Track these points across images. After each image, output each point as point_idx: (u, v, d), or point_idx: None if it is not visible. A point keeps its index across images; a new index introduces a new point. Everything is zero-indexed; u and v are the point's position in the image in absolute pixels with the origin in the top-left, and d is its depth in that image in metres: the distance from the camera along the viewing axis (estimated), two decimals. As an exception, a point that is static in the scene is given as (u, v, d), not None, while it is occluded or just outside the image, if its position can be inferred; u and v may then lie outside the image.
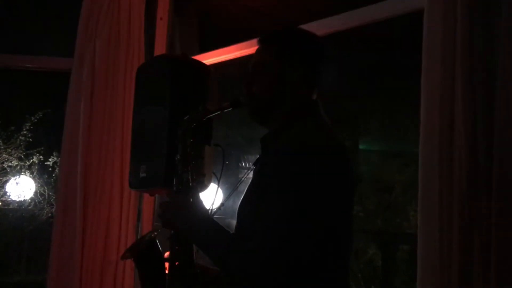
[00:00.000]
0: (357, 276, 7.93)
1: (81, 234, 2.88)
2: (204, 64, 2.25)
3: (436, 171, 1.79)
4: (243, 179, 1.78)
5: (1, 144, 8.56)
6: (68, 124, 3.06)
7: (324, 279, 1.34)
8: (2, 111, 8.05)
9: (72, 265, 2.87)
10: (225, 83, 3.57)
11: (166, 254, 1.62)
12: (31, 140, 8.56)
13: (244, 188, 1.52)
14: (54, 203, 7.52)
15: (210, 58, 2.93)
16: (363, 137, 8.35)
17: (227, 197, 1.79)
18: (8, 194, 8.50)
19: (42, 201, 8.59)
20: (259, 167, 1.49)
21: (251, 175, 1.54)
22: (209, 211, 1.61)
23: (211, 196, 1.72)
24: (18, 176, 8.51)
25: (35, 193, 8.58)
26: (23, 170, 8.57)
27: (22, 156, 8.57)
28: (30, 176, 8.58)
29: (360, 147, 8.50)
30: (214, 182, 1.94)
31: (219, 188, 1.75)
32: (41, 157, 8.56)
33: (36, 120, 8.49)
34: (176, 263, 1.54)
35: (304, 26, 1.66)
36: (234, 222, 1.49)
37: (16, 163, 8.54)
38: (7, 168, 8.55)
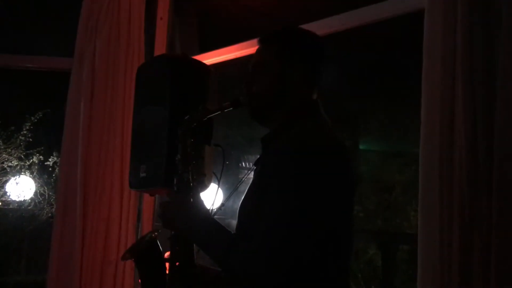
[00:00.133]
0: (357, 276, 7.93)
1: (81, 234, 2.88)
2: (204, 64, 2.25)
3: (436, 171, 1.79)
4: (243, 179, 1.78)
5: (1, 144, 8.56)
6: (68, 124, 3.06)
7: (324, 279, 1.34)
8: (2, 111, 8.04)
9: (72, 265, 2.87)
10: (225, 83, 3.57)
11: (167, 254, 1.62)
12: (31, 140, 8.56)
13: (244, 188, 1.52)
14: (54, 203, 7.52)
15: (210, 58, 2.93)
16: (363, 137, 8.34)
17: (227, 197, 1.79)
18: (8, 194, 8.50)
19: (42, 201, 8.59)
20: (259, 167, 1.49)
21: (251, 175, 1.54)
22: (210, 211, 1.61)
23: (211, 196, 1.72)
24: (18, 176, 8.51)
25: (35, 193, 8.58)
26: (23, 170, 8.57)
27: (22, 156, 8.56)
28: (30, 176, 8.58)
29: (360, 147, 8.50)
30: (214, 182, 1.94)
31: (219, 188, 1.75)
32: (41, 157, 8.56)
33: (36, 120, 8.49)
34: (177, 263, 1.54)
35: (304, 26, 1.66)
36: (234, 222, 1.49)
37: (16, 163, 8.54)
38: (7, 168, 8.54)
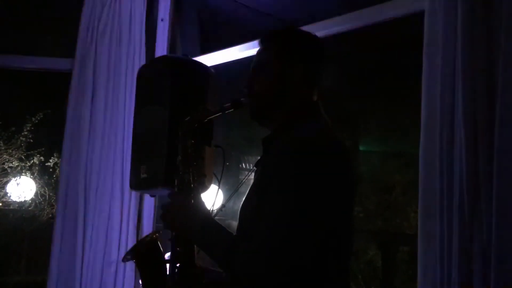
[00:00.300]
0: (357, 276, 7.93)
1: (81, 234, 2.88)
2: (205, 65, 2.25)
3: (436, 171, 1.79)
4: (243, 180, 1.78)
5: (2, 144, 8.56)
6: (68, 125, 3.06)
7: (325, 279, 1.34)
8: (3, 112, 8.05)
9: (72, 265, 2.87)
10: (225, 84, 3.56)
11: (167, 255, 1.62)
12: (31, 140, 8.56)
13: (244, 189, 1.52)
14: (54, 204, 7.52)
15: (211, 60, 2.94)
16: (363, 137, 8.34)
17: (228, 198, 1.79)
18: (8, 194, 8.51)
19: (42, 202, 8.59)
20: (260, 168, 1.49)
21: (252, 176, 1.54)
22: (210, 212, 1.61)
23: (212, 197, 1.73)
24: (18, 177, 8.52)
25: (36, 194, 8.59)
26: (23, 170, 8.58)
27: (23, 156, 8.57)
28: (30, 177, 8.59)
29: (360, 148, 8.49)
30: (214, 183, 1.94)
31: (220, 189, 1.76)
32: (41, 157, 8.57)
33: (36, 121, 8.49)
34: (177, 264, 1.55)
35: (305, 27, 1.66)
36: (234, 223, 1.49)
37: (16, 164, 8.55)
38: (7, 168, 8.55)
